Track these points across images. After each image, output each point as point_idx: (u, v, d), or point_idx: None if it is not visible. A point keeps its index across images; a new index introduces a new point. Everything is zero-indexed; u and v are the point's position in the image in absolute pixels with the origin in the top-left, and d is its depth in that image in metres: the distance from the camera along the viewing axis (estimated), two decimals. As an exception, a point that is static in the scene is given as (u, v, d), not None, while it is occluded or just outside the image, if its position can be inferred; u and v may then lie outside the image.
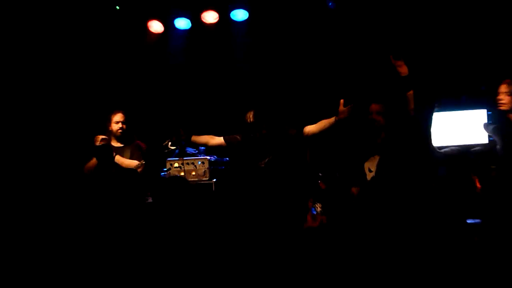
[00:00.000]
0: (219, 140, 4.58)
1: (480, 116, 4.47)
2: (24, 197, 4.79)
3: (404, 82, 3.69)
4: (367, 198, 4.00)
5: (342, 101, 4.14)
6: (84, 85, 5.48)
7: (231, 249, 3.33)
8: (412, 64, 3.69)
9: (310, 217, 4.28)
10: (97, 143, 4.31)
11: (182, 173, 4.64)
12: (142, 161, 4.48)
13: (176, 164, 4.67)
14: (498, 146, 3.91)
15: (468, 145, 4.44)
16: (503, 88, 3.74)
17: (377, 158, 4.02)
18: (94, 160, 4.38)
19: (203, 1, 5.38)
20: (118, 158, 4.50)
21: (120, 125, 4.57)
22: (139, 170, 4.42)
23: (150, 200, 4.35)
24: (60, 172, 4.92)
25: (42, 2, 4.98)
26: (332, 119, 4.20)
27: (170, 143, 4.53)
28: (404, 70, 3.65)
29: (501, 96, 3.75)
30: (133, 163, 4.49)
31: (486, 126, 4.13)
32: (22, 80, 5.19)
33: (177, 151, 4.64)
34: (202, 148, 4.76)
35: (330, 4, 5.10)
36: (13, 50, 5.07)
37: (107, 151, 4.37)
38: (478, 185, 3.88)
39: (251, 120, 4.40)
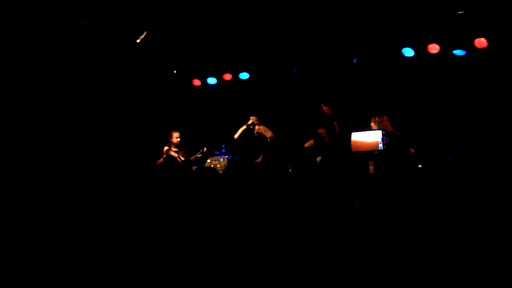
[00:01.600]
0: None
1: (377, 134, 7.61)
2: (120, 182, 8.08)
3: (329, 118, 7.28)
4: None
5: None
6: (158, 117, 8.78)
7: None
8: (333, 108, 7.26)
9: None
10: (169, 153, 7.57)
11: (212, 166, 8.04)
12: (190, 158, 7.88)
13: (208, 161, 8.06)
14: (391, 149, 7.31)
15: (370, 151, 6.97)
16: (372, 120, 7.10)
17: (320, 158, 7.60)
18: (161, 159, 7.70)
19: (223, 68, 8.99)
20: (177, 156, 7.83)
21: (178, 139, 7.61)
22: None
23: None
24: (142, 165, 8.22)
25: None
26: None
27: (205, 148, 7.75)
28: (328, 111, 7.27)
29: (371, 124, 7.12)
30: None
31: (385, 138, 7.48)
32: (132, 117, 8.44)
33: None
34: (223, 150, 8.08)
35: (294, 69, 8.74)
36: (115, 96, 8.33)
37: (173, 157, 7.67)
38: (371, 172, 7.38)
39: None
